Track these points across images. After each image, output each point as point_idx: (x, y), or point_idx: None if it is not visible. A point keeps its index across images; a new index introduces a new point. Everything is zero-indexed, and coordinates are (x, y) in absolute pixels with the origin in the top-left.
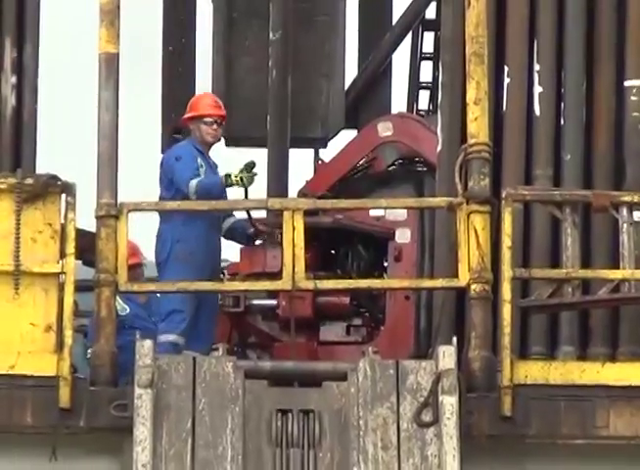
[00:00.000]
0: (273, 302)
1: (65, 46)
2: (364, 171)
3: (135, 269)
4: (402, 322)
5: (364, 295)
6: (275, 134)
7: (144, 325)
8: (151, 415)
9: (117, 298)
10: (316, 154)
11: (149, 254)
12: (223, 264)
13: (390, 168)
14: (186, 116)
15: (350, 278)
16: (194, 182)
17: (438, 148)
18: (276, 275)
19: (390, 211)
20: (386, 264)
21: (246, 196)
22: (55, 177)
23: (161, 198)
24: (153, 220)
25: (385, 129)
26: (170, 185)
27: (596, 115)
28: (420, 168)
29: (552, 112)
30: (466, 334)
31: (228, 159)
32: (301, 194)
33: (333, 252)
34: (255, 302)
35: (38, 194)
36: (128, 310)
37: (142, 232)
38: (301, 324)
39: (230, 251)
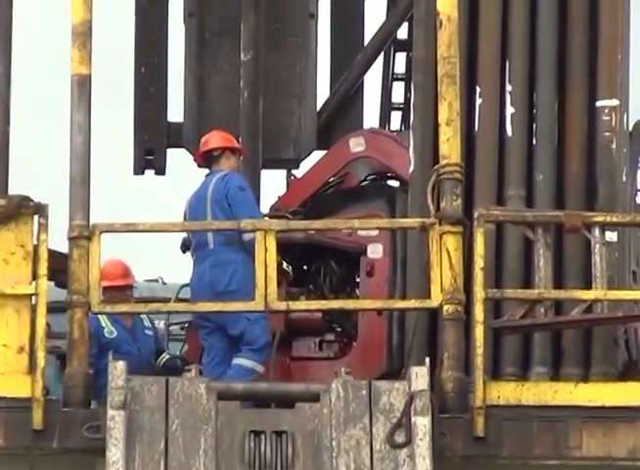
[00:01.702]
0: None
1: (37, 67)
2: (336, 187)
3: (125, 290)
4: (375, 338)
5: (336, 310)
6: (247, 155)
7: (128, 350)
8: (123, 437)
9: (106, 320)
10: (288, 175)
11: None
12: None
13: (363, 184)
14: (229, 145)
15: (323, 293)
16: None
17: (411, 168)
18: None
19: None
20: (358, 280)
21: None
22: (27, 198)
23: (215, 217)
24: (125, 241)
25: (357, 145)
26: (228, 207)
27: (568, 135)
28: (392, 184)
29: (524, 132)
30: (439, 355)
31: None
32: (274, 209)
33: (305, 267)
34: None
35: (10, 215)
36: (116, 334)
37: (114, 253)
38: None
39: None
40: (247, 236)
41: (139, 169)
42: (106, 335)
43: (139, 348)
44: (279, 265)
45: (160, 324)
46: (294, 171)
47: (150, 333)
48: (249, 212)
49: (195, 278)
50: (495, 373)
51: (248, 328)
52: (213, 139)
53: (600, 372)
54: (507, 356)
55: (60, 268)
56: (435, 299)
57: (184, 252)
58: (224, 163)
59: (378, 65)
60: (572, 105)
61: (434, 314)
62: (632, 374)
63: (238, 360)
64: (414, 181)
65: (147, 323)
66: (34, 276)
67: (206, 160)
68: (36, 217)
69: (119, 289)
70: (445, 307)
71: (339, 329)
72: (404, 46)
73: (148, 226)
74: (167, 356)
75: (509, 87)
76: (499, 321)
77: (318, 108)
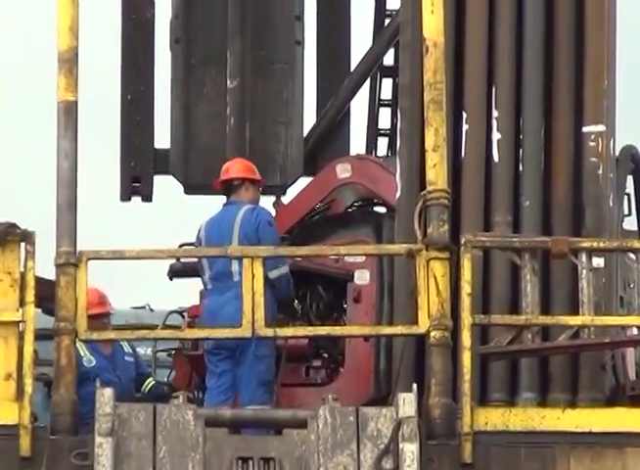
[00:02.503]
0: None
1: (23, 93)
2: (323, 213)
3: (102, 318)
4: (362, 364)
5: (323, 336)
6: None
7: (108, 378)
8: (111, 464)
9: (84, 349)
10: (275, 201)
11: (111, 302)
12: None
13: (349, 210)
14: (249, 176)
15: (309, 320)
16: (284, 268)
17: (397, 194)
18: None
19: None
20: (345, 306)
21: None
22: (14, 225)
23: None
24: (111, 268)
25: (343, 171)
26: (257, 242)
27: (554, 161)
28: (378, 210)
29: (511, 158)
30: (426, 381)
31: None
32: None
33: None
34: None
35: None
36: (95, 363)
37: (101, 280)
38: None
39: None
40: (272, 274)
41: (126, 196)
42: (84, 364)
43: (118, 376)
44: (290, 303)
45: (148, 351)
46: (280, 198)
47: (130, 360)
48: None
49: (212, 306)
50: (482, 399)
51: (253, 364)
52: (234, 168)
53: (587, 398)
54: (494, 382)
55: (47, 295)
56: (423, 325)
57: (171, 279)
58: (243, 193)
59: (364, 90)
60: (559, 130)
61: (421, 340)
62: (619, 400)
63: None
64: (401, 207)
65: (127, 349)
66: (21, 303)
67: (226, 188)
68: (23, 245)
69: (96, 317)
70: (432, 333)
71: (325, 355)
72: (390, 72)
73: (135, 253)
74: (153, 382)
75: (495, 113)
76: (486, 347)
77: (305, 134)
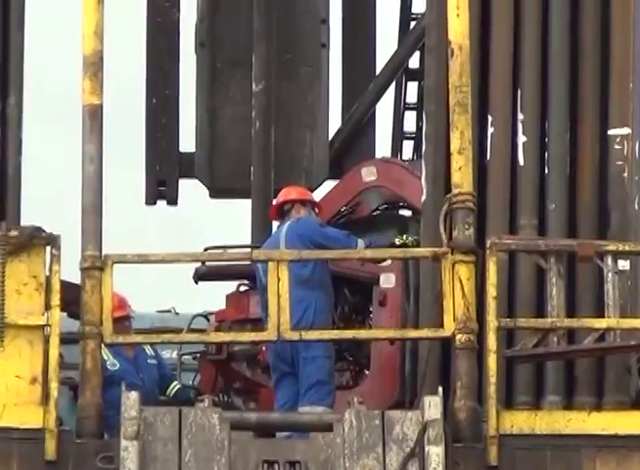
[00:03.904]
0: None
1: (49, 97)
2: (348, 216)
3: (123, 322)
4: (387, 367)
5: (349, 340)
6: (259, 185)
7: (132, 381)
8: (137, 467)
9: (107, 353)
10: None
11: (134, 306)
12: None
13: (375, 213)
14: (296, 198)
15: (334, 323)
16: (362, 241)
17: (423, 197)
18: (259, 321)
19: None
20: (371, 309)
21: None
22: (39, 229)
23: (294, 265)
24: (136, 272)
25: (368, 174)
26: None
27: (580, 164)
28: (404, 213)
29: (536, 161)
30: (451, 384)
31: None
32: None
33: None
34: (238, 348)
35: (23, 246)
36: (118, 366)
37: (126, 284)
38: None
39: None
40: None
41: (151, 200)
42: (108, 367)
43: (142, 378)
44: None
45: (173, 355)
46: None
47: (153, 362)
48: (342, 242)
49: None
50: (508, 402)
51: (303, 366)
52: (283, 193)
53: (613, 401)
54: (520, 385)
55: (72, 299)
56: (448, 328)
57: (197, 282)
58: (294, 215)
59: (389, 94)
60: (584, 134)
61: (446, 344)
62: None
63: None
64: (426, 210)
65: (149, 352)
66: (47, 307)
67: (280, 215)
68: (48, 248)
69: (116, 321)
70: (458, 337)
71: (350, 358)
72: (416, 75)
73: (160, 257)
74: (179, 386)
75: (521, 116)
76: (512, 350)
77: (330, 137)
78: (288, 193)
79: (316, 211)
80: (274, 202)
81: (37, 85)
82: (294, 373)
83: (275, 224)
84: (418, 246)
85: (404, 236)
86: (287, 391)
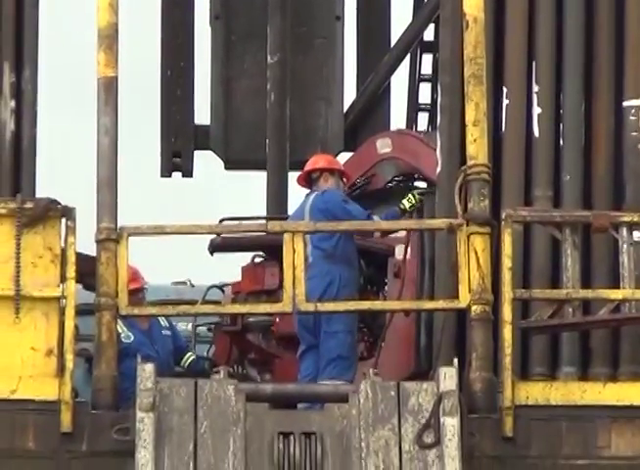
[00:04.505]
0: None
1: (63, 70)
2: (363, 188)
3: (136, 294)
4: (402, 339)
5: (364, 311)
6: (274, 157)
7: (147, 353)
8: (153, 439)
9: (122, 325)
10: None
11: (146, 277)
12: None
13: (390, 185)
14: (326, 167)
15: None
16: (377, 217)
17: (438, 169)
18: (274, 293)
19: None
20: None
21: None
22: (55, 201)
23: (318, 239)
24: (152, 244)
25: (384, 146)
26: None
27: (595, 135)
28: (419, 185)
29: (551, 133)
30: (467, 355)
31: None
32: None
33: None
34: (252, 319)
35: (38, 218)
36: (133, 338)
37: (142, 256)
38: (299, 341)
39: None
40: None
41: (166, 172)
42: (123, 340)
43: (157, 350)
44: None
45: (188, 326)
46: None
47: (167, 333)
48: (363, 215)
49: None
50: (523, 373)
51: (324, 340)
52: (311, 161)
53: (628, 372)
54: (535, 357)
55: (87, 271)
56: (463, 299)
57: (212, 254)
58: (322, 184)
59: (404, 66)
60: (599, 105)
61: (462, 315)
62: None
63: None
64: (441, 182)
65: (164, 323)
66: (62, 279)
67: (308, 182)
68: (64, 220)
69: (130, 293)
70: (473, 308)
71: (365, 330)
72: (431, 47)
73: (175, 229)
74: (193, 357)
75: (536, 88)
76: (527, 321)
77: (345, 109)
78: (316, 161)
79: (344, 180)
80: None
81: (52, 58)
82: (318, 345)
83: (291, 196)
84: (422, 203)
85: (408, 198)
86: (311, 363)
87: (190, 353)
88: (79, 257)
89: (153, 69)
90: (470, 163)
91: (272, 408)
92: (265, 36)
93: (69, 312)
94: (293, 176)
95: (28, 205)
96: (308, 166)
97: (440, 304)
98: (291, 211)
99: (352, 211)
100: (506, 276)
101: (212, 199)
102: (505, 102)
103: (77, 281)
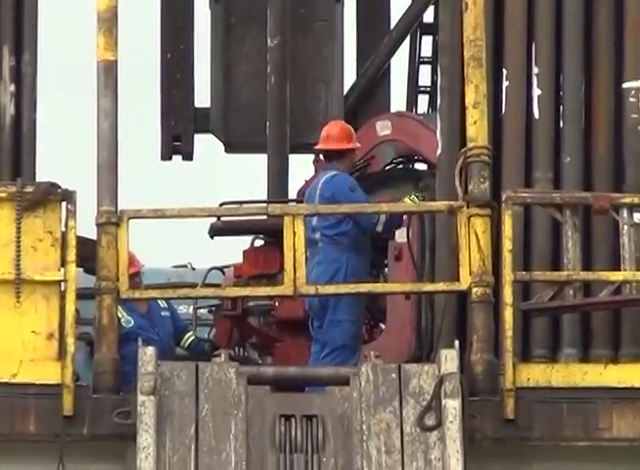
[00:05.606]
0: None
1: (63, 53)
2: (363, 170)
3: (133, 278)
4: (403, 322)
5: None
6: (274, 140)
7: (148, 336)
8: (154, 422)
9: (121, 310)
10: (316, 159)
11: (147, 261)
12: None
13: (389, 167)
14: (345, 147)
15: None
16: (382, 217)
17: (438, 151)
18: (275, 276)
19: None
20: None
21: None
22: (55, 185)
23: (326, 226)
24: (152, 228)
25: (383, 128)
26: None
27: (595, 117)
28: (419, 167)
29: (551, 114)
30: (468, 337)
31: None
32: (301, 193)
33: None
34: (252, 303)
35: (38, 202)
36: (133, 323)
37: (142, 240)
38: (299, 325)
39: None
40: (379, 228)
41: (166, 155)
42: (123, 325)
43: (158, 333)
44: None
45: (189, 310)
46: (321, 156)
47: (166, 314)
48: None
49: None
50: (525, 355)
51: (328, 329)
52: (332, 137)
53: (629, 353)
54: (536, 339)
55: (88, 255)
56: (464, 281)
57: (212, 237)
58: (334, 165)
59: (404, 48)
60: (599, 87)
61: (462, 297)
62: None
63: None
64: (441, 164)
65: (163, 304)
66: (63, 263)
67: (326, 157)
68: (64, 204)
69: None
70: (474, 290)
71: (366, 312)
72: (430, 29)
73: (175, 212)
74: (192, 337)
75: (535, 69)
76: (528, 303)
77: (345, 92)
78: (335, 141)
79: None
80: (321, 141)
81: (52, 42)
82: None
83: (292, 179)
84: (425, 200)
85: (411, 199)
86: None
87: (190, 333)
88: (80, 240)
89: (152, 52)
90: (470, 145)
91: (273, 391)
92: (265, 19)
93: (70, 296)
94: (293, 159)
95: (29, 188)
96: (331, 145)
97: (441, 286)
98: (292, 193)
99: (356, 203)
100: (506, 258)
101: (213, 182)
102: (505, 84)
103: (78, 265)
